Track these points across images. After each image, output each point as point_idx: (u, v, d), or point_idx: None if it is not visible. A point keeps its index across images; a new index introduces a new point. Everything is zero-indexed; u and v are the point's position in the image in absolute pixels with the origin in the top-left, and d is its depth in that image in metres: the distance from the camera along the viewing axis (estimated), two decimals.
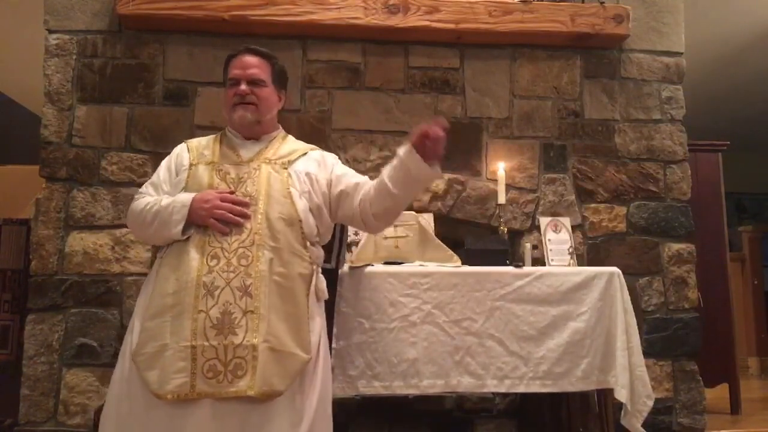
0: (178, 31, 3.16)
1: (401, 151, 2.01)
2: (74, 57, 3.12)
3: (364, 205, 2.08)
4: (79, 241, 3.00)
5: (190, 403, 1.77)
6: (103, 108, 3.11)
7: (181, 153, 2.13)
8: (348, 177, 2.16)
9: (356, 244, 2.70)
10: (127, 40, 3.16)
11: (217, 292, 1.84)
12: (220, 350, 1.80)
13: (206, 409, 1.77)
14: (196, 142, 2.16)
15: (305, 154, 2.14)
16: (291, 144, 2.17)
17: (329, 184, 2.13)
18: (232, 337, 1.81)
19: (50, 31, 3.13)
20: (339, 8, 3.12)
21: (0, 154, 4.91)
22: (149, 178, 2.16)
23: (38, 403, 2.88)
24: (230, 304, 1.84)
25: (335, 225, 2.26)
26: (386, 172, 2.05)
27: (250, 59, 2.11)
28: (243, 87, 2.07)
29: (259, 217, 1.94)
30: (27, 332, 2.92)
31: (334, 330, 2.36)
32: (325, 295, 2.10)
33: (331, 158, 2.21)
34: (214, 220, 1.91)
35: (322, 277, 2.08)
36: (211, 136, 2.18)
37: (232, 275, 1.87)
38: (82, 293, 2.96)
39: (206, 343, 1.80)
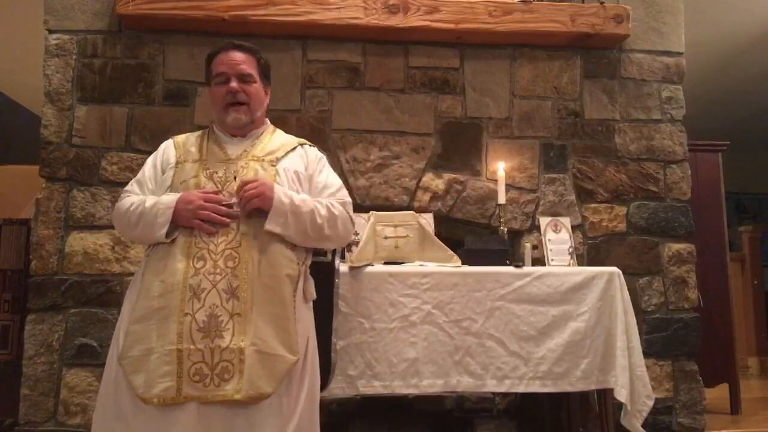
0: (178, 31, 3.15)
1: None
2: (74, 57, 3.12)
3: None
4: (79, 241, 3.00)
5: (175, 406, 1.75)
6: (103, 108, 3.11)
7: (167, 150, 2.10)
8: (317, 191, 2.10)
9: (356, 244, 2.69)
10: (127, 40, 3.16)
11: (203, 295, 1.82)
12: (206, 353, 1.78)
13: (192, 413, 1.75)
14: (183, 138, 2.12)
15: (294, 149, 2.12)
16: (279, 139, 2.14)
17: (309, 189, 2.10)
18: (219, 340, 1.79)
19: (50, 31, 3.13)
20: (339, 8, 3.12)
21: (0, 154, 4.92)
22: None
23: (38, 403, 2.88)
24: (216, 306, 1.82)
25: None
26: None
27: (237, 54, 2.07)
28: (234, 84, 2.03)
29: (247, 217, 1.92)
30: (27, 332, 2.92)
31: (335, 325, 2.32)
32: (313, 296, 2.07)
33: (314, 155, 2.16)
34: (199, 221, 1.88)
35: (310, 278, 2.05)
36: (199, 133, 2.14)
37: (218, 277, 1.84)
38: (82, 293, 2.96)
39: (192, 347, 1.78)
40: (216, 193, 1.93)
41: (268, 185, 1.92)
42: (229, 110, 2.04)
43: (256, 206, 1.90)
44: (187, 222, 1.89)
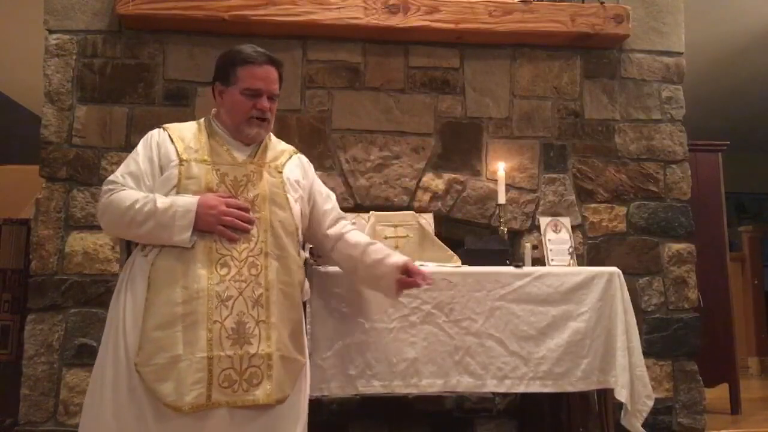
0: (178, 31, 3.15)
1: (390, 262, 2.11)
2: (74, 57, 3.12)
3: (327, 245, 2.16)
4: (79, 241, 2.99)
5: (204, 412, 1.76)
6: (103, 108, 3.11)
7: (164, 144, 1.98)
8: (322, 198, 2.19)
9: None
10: (127, 40, 3.16)
11: (230, 302, 1.83)
12: (235, 360, 1.80)
13: (223, 418, 1.77)
14: (177, 131, 2.02)
15: (290, 157, 2.13)
16: (276, 145, 2.14)
17: (309, 198, 2.14)
18: (248, 346, 1.82)
19: (50, 31, 3.12)
20: (339, 8, 3.12)
21: (0, 154, 4.91)
22: None
23: (38, 403, 2.88)
24: (244, 314, 1.83)
25: None
26: (368, 255, 2.12)
27: (273, 73, 2.04)
28: (266, 104, 2.01)
29: (264, 224, 1.92)
30: (27, 332, 2.92)
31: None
32: (308, 295, 2.11)
33: (307, 163, 2.21)
34: (222, 227, 1.86)
35: (306, 279, 2.10)
36: (192, 125, 2.07)
37: (244, 285, 1.85)
38: (82, 293, 2.96)
39: (222, 354, 1.79)
40: (231, 197, 1.92)
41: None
42: (252, 124, 2.01)
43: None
44: (210, 227, 1.86)
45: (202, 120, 2.10)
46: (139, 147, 2.02)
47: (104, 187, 1.98)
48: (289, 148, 2.18)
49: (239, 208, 1.90)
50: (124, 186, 1.94)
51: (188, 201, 1.87)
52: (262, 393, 1.81)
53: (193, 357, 1.77)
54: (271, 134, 2.17)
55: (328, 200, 2.21)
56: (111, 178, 1.99)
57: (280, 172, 2.04)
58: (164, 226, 1.85)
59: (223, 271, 1.84)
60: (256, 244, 1.89)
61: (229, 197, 1.91)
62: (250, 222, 1.90)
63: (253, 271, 1.87)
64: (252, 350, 1.82)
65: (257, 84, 1.99)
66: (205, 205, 1.86)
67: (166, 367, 1.77)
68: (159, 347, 1.78)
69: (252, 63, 2.01)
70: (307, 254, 2.31)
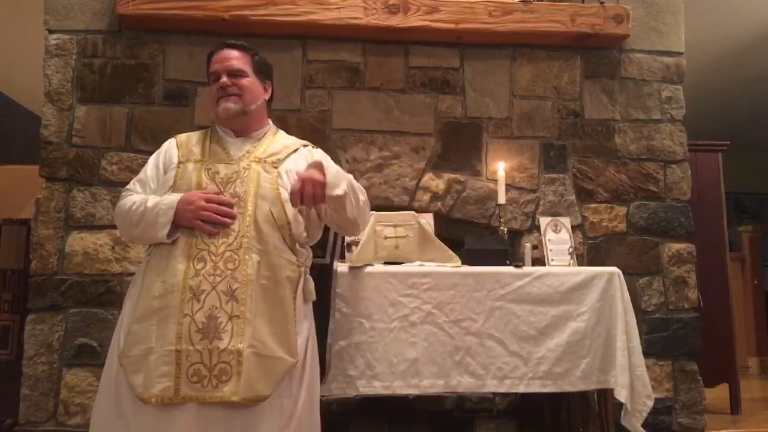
0: (178, 31, 3.15)
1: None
2: (74, 57, 3.12)
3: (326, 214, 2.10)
4: (79, 241, 3.00)
5: (175, 406, 1.76)
6: (103, 108, 3.11)
7: (170, 149, 2.10)
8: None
9: (356, 244, 2.69)
10: (127, 40, 3.16)
11: (203, 296, 1.83)
12: (204, 355, 1.79)
13: (191, 413, 1.76)
14: (185, 137, 2.12)
15: (296, 150, 2.11)
16: (282, 140, 2.13)
17: None
18: (218, 341, 1.80)
19: (50, 31, 3.13)
20: (339, 8, 3.12)
21: (0, 154, 4.92)
22: None
23: (38, 403, 2.88)
24: (216, 308, 1.82)
25: None
26: None
27: (229, 52, 2.09)
28: (224, 79, 2.05)
29: (247, 219, 1.92)
30: (27, 332, 2.92)
31: (331, 326, 2.34)
32: (313, 296, 2.08)
33: (319, 155, 2.15)
34: (200, 221, 1.88)
35: (309, 278, 2.06)
36: (201, 132, 2.15)
37: (218, 279, 1.84)
38: (82, 293, 2.96)
39: (191, 348, 1.79)
40: (217, 193, 1.93)
41: (309, 174, 1.87)
42: (220, 104, 2.05)
43: (318, 198, 1.87)
44: (188, 222, 1.89)
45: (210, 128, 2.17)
46: (152, 156, 2.14)
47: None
48: (298, 142, 2.16)
49: (220, 203, 1.91)
50: (132, 192, 2.06)
51: (171, 199, 1.93)
52: (228, 390, 1.77)
53: (161, 350, 1.79)
54: (280, 131, 2.19)
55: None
56: (126, 186, 2.12)
57: (276, 167, 2.02)
58: (151, 225, 1.92)
59: (199, 266, 1.86)
60: (235, 238, 1.89)
61: (212, 193, 1.93)
62: (231, 216, 1.90)
63: (230, 266, 1.86)
64: (222, 345, 1.79)
65: (215, 68, 2.09)
66: (184, 201, 1.90)
67: (139, 359, 1.80)
68: (136, 340, 1.83)
69: (213, 54, 2.12)
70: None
